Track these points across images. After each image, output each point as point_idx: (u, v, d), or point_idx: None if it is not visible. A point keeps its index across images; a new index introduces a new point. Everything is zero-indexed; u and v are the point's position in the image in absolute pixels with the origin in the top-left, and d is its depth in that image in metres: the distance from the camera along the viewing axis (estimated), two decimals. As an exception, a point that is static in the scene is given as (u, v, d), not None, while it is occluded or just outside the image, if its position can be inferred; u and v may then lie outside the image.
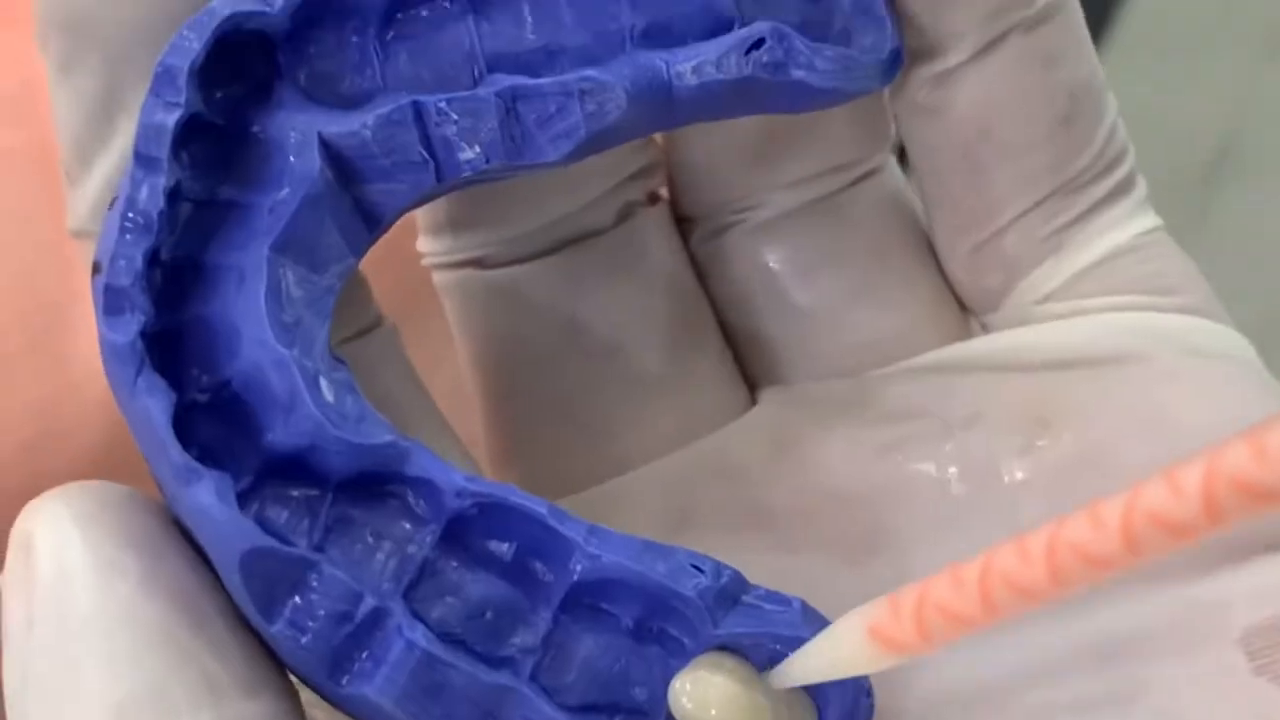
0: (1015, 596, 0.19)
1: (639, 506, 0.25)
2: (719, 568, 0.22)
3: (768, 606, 0.22)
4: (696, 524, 0.25)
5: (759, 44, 0.23)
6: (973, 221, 0.26)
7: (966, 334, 0.27)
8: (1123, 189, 0.26)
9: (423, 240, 0.27)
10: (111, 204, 0.22)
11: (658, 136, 0.27)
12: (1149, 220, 0.26)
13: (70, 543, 0.21)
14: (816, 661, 0.21)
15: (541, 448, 0.27)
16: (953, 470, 0.25)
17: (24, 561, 0.21)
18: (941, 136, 0.26)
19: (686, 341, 0.27)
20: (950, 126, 0.26)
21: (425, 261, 0.28)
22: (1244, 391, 0.25)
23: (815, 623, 0.22)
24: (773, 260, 0.27)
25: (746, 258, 0.27)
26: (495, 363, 0.27)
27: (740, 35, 0.23)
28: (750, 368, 0.28)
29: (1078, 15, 0.25)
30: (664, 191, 0.28)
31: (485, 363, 0.28)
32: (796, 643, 0.21)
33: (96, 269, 0.21)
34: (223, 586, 0.21)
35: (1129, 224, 0.26)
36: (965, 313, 0.27)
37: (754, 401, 0.28)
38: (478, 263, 0.27)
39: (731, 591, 0.22)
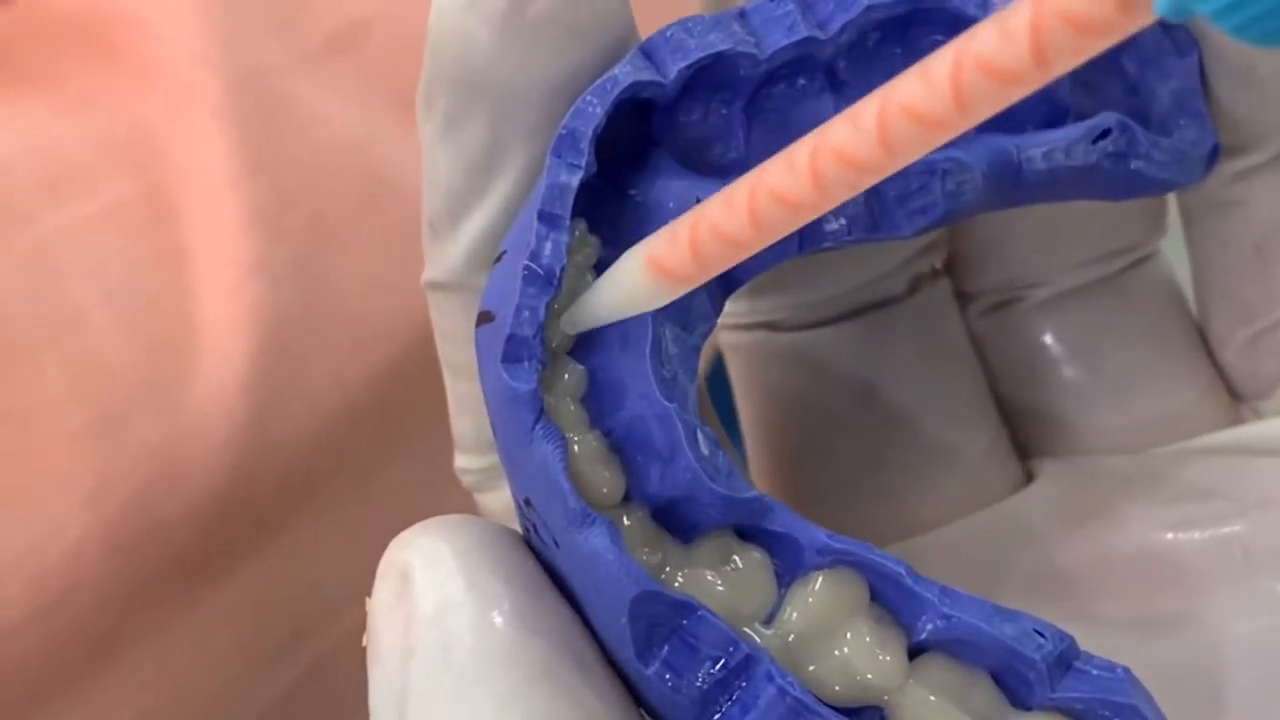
0: (783, 211, 0.19)
1: (937, 568, 0.26)
2: (1059, 633, 0.22)
3: (1096, 672, 0.22)
4: (996, 587, 0.26)
5: (1105, 134, 0.25)
6: (1254, 311, 0.27)
7: (1237, 419, 0.28)
8: None
9: None
10: (499, 259, 0.23)
11: None
12: None
13: (451, 576, 0.21)
14: (602, 300, 0.22)
15: (830, 508, 0.28)
16: (1247, 551, 0.26)
17: (400, 592, 0.21)
18: (1234, 229, 0.27)
19: (970, 412, 0.29)
20: (1244, 220, 0.27)
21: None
22: None
23: (1140, 690, 0.22)
24: (1051, 337, 0.28)
25: (1026, 333, 0.29)
26: (784, 423, 0.29)
27: (1088, 125, 0.25)
28: (1025, 441, 0.29)
29: None
30: (938, 265, 0.29)
31: (773, 423, 0.29)
32: (1127, 709, 0.22)
33: (486, 318, 0.22)
34: (588, 625, 0.22)
35: None
36: (1234, 399, 0.28)
37: (1028, 475, 0.29)
38: (772, 326, 0.28)
39: (1068, 657, 0.22)
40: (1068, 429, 0.29)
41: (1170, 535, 0.26)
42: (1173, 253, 0.29)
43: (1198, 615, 0.26)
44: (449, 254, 0.25)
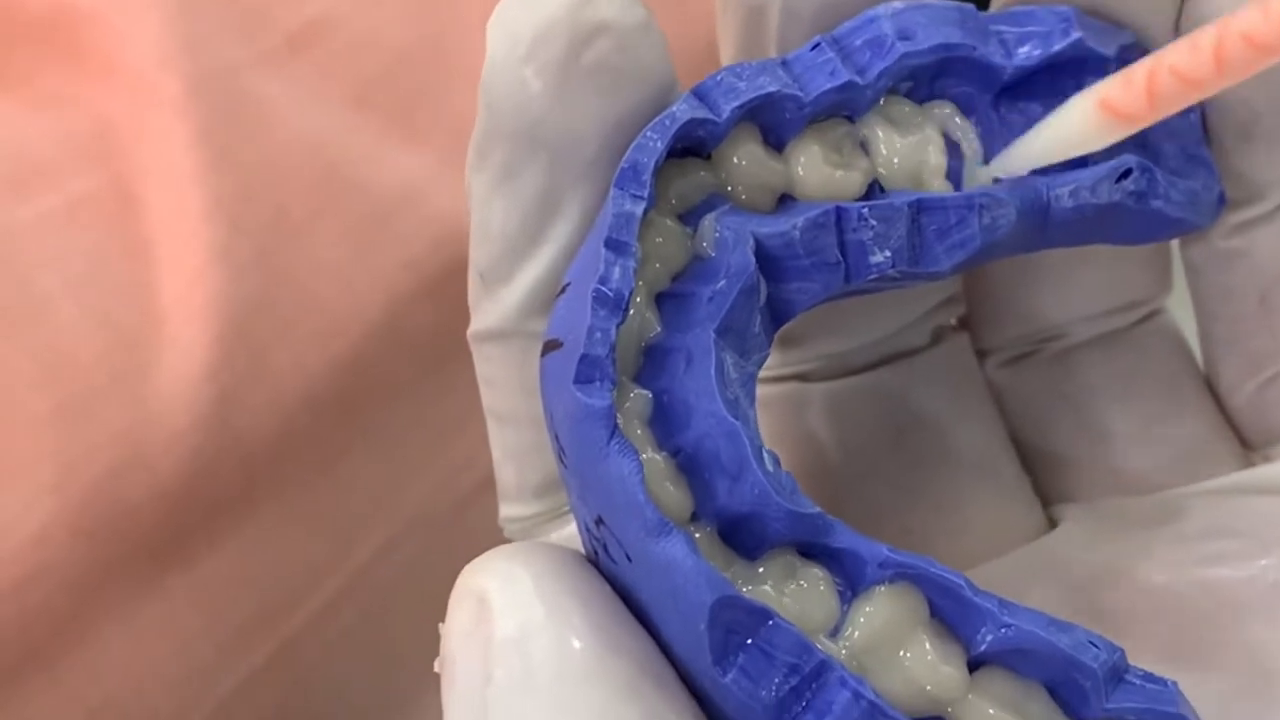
0: (1250, 52, 0.20)
1: None
2: (1111, 644, 0.23)
3: (1148, 685, 0.23)
4: None
5: (1127, 174, 0.26)
6: (1262, 360, 0.29)
7: (1248, 462, 0.29)
8: None
9: None
10: (562, 290, 0.24)
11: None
12: None
13: (530, 600, 0.21)
14: (1045, 140, 0.24)
15: None
16: (1273, 587, 0.27)
17: (478, 616, 0.22)
18: (1239, 279, 0.28)
19: (994, 457, 0.30)
20: (1248, 271, 0.28)
21: None
22: None
23: (1187, 704, 0.23)
24: (1068, 387, 0.30)
25: (1043, 384, 0.30)
26: (817, 470, 0.29)
27: (1111, 165, 0.26)
28: (1044, 486, 0.30)
29: None
30: (954, 321, 0.31)
31: (807, 470, 0.29)
32: None
33: (553, 346, 0.23)
34: (660, 644, 0.22)
35: None
36: (1244, 447, 0.30)
37: (1049, 518, 0.30)
38: (802, 377, 0.30)
39: (1119, 668, 0.23)
40: (1087, 474, 0.30)
41: (1200, 571, 0.27)
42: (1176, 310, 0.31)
43: (1236, 646, 0.26)
44: (504, 302, 0.25)
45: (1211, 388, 0.30)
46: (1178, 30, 0.27)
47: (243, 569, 0.39)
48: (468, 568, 0.22)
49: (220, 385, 0.38)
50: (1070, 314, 0.30)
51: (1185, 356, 0.30)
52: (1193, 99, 0.22)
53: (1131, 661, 0.23)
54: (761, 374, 0.29)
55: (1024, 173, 0.25)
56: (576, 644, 0.21)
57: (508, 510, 0.27)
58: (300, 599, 0.40)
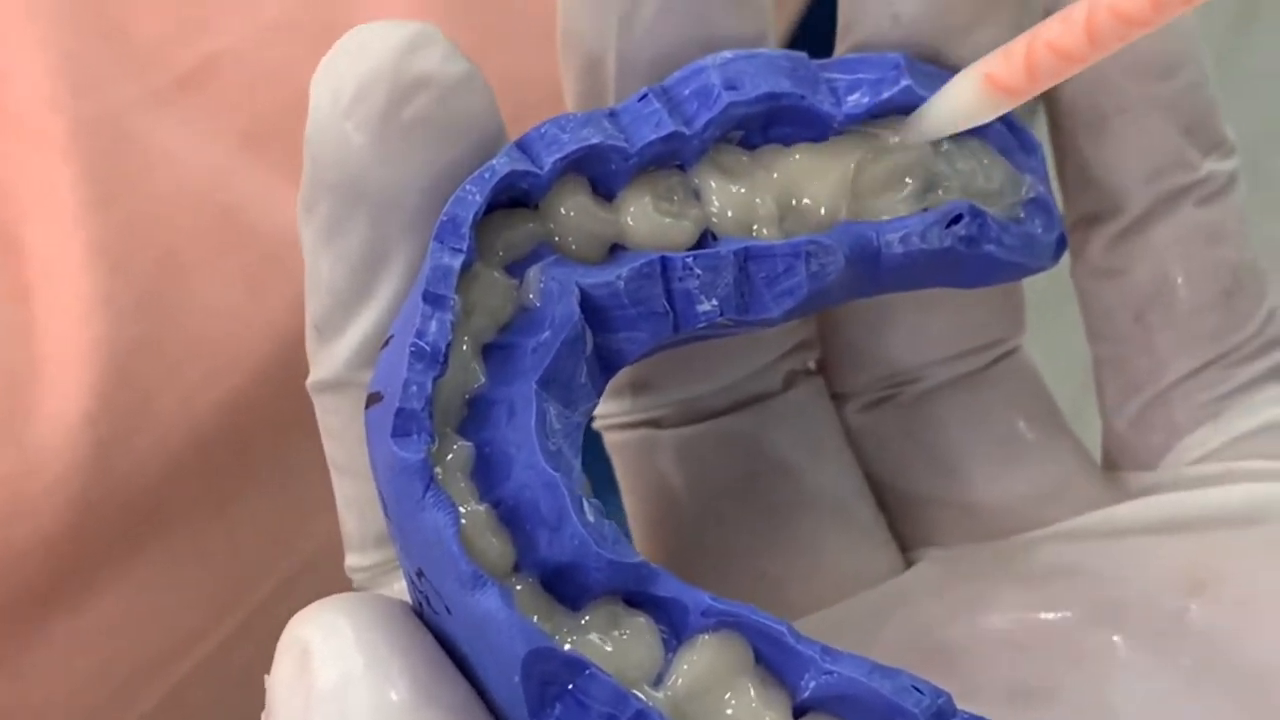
0: (1119, 25, 0.21)
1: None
2: (935, 689, 0.23)
3: None
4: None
5: (958, 219, 0.26)
6: (1141, 381, 0.29)
7: (1110, 500, 0.29)
8: None
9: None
10: (386, 343, 0.24)
11: (814, 319, 0.30)
12: None
13: (350, 651, 0.22)
14: (939, 113, 0.25)
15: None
16: (1114, 627, 0.27)
17: (299, 667, 0.22)
18: (1118, 298, 0.29)
19: (848, 501, 0.30)
20: (1127, 288, 0.29)
21: (598, 424, 0.30)
22: None
23: None
24: (925, 430, 0.30)
25: (902, 427, 0.30)
26: (670, 516, 0.29)
27: (941, 211, 0.26)
28: (903, 530, 0.30)
29: (1242, 202, 0.29)
30: (811, 365, 0.31)
31: (659, 517, 0.30)
32: None
33: (374, 399, 0.23)
34: (483, 695, 0.22)
35: None
36: (1112, 474, 0.30)
37: (907, 563, 0.30)
38: (654, 424, 0.29)
39: (945, 712, 0.23)
40: (945, 516, 0.30)
41: (1042, 614, 0.27)
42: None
43: (1076, 686, 0.27)
44: (337, 354, 0.25)
45: (1101, 414, 0.30)
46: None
47: (133, 612, 0.39)
48: (294, 618, 0.22)
49: (101, 430, 0.38)
50: (923, 358, 0.30)
51: (1042, 396, 0.30)
52: (1069, 71, 0.23)
53: (971, 704, 0.23)
54: (613, 421, 0.29)
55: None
56: (394, 696, 0.21)
57: (352, 560, 0.27)
58: (195, 639, 0.40)
